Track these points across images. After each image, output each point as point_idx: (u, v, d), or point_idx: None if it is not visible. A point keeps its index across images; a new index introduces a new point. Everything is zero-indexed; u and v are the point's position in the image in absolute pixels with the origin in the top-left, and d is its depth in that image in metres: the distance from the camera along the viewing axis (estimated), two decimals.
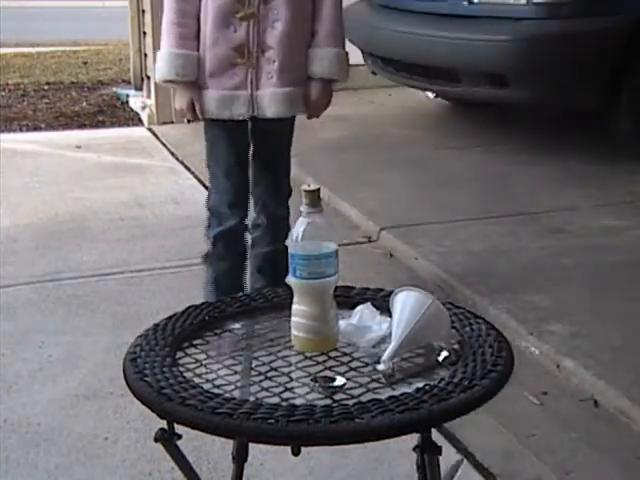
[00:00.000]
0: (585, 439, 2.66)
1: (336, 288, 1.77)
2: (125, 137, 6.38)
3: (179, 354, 1.74)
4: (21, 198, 4.94)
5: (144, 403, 1.59)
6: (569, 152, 5.25)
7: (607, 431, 2.71)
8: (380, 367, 1.64)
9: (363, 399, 1.55)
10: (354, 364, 1.69)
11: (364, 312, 1.80)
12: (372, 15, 5.87)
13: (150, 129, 6.51)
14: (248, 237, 3.20)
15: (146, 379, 1.61)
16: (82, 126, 6.79)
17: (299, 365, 1.70)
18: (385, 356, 1.65)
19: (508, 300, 3.43)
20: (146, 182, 5.25)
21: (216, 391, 1.59)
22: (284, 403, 1.55)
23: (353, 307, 1.83)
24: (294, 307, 1.75)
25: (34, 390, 2.99)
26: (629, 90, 5.01)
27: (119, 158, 5.78)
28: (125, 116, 7.06)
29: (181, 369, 1.67)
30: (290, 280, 1.74)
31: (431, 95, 6.66)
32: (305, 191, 1.71)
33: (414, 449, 1.71)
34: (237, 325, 1.88)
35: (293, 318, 1.75)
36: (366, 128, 6.08)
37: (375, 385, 1.61)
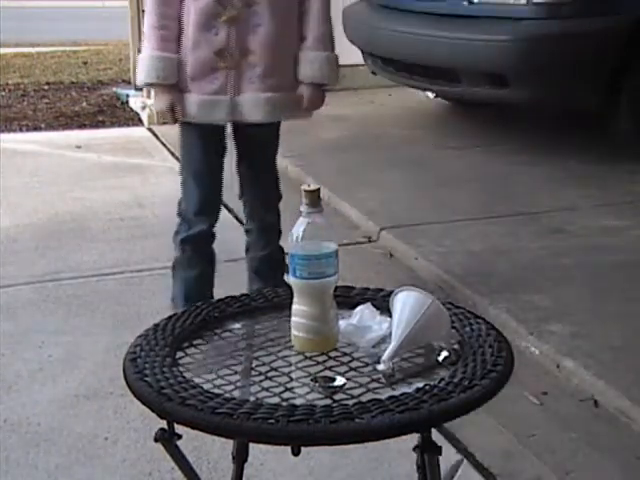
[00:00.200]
0: (585, 439, 2.67)
1: (336, 288, 1.76)
2: (125, 137, 6.38)
3: (179, 354, 1.74)
4: (21, 198, 4.94)
5: (144, 403, 1.59)
6: (569, 152, 5.26)
7: (607, 431, 2.71)
8: (380, 367, 1.64)
9: (363, 399, 1.55)
10: (354, 364, 1.69)
11: (364, 312, 1.80)
12: (372, 15, 5.87)
13: (150, 129, 6.51)
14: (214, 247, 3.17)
15: (146, 379, 1.61)
16: (82, 126, 6.79)
17: (299, 365, 1.70)
18: (385, 356, 1.65)
19: (508, 300, 3.43)
20: (146, 182, 5.25)
21: (216, 391, 1.59)
22: (284, 403, 1.55)
23: (353, 307, 1.83)
24: (294, 307, 1.75)
25: (34, 390, 2.98)
26: (629, 90, 5.01)
27: (119, 158, 5.79)
28: (125, 116, 7.06)
29: (181, 369, 1.67)
30: (290, 280, 1.74)
31: (431, 95, 6.66)
32: (305, 191, 1.71)
33: (414, 449, 1.71)
34: (237, 325, 1.88)
35: (293, 318, 1.75)
36: (366, 128, 6.08)
37: (375, 385, 1.61)
